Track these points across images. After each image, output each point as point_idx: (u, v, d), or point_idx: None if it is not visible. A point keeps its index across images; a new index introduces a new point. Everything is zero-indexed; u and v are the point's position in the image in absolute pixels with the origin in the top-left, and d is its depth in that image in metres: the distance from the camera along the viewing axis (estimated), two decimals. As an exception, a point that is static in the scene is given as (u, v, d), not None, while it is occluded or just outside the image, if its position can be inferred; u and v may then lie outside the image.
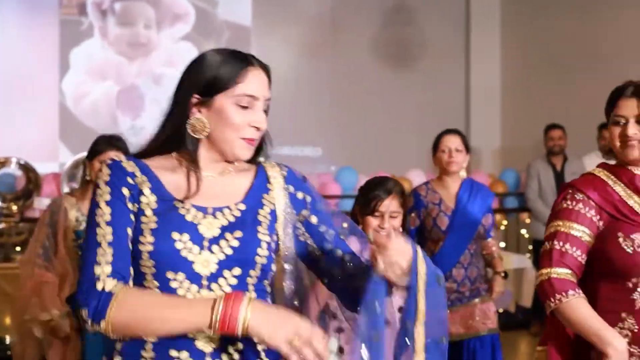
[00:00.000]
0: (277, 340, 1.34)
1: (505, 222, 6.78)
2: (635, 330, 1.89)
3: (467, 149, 3.47)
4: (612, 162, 2.08)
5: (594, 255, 1.94)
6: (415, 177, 6.06)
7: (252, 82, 1.50)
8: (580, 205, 1.94)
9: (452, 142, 3.42)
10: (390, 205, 2.49)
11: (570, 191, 1.99)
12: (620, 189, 1.96)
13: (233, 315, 1.34)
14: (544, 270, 1.92)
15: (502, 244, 6.71)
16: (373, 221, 2.50)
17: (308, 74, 7.66)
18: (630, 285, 1.89)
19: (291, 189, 1.60)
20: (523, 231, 6.77)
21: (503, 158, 7.89)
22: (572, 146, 6.11)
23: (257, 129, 1.51)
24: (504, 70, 8.09)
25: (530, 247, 6.42)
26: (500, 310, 6.13)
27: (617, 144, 1.98)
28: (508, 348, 5.67)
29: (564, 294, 1.86)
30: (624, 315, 1.90)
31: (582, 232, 1.92)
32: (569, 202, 1.96)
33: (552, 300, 1.87)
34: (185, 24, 7.20)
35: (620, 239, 1.90)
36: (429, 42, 8.05)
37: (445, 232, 3.35)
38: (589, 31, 6.78)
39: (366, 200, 2.52)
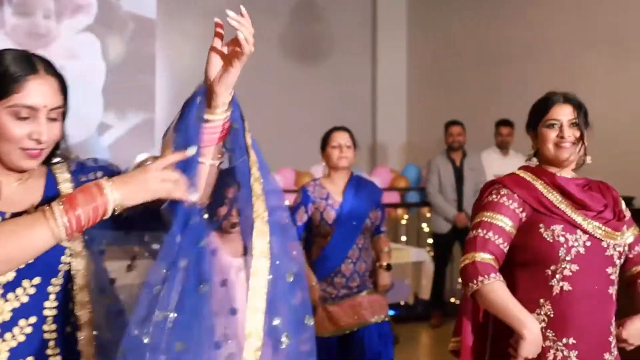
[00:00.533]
0: (153, 193, 1.42)
1: (406, 217, 6.94)
2: (552, 316, 2.01)
3: (355, 145, 3.56)
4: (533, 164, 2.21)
5: (516, 246, 2.06)
6: (320, 173, 6.09)
7: (32, 93, 1.44)
8: (505, 198, 2.08)
9: (342, 138, 3.51)
10: None
11: (496, 186, 2.13)
12: (541, 186, 2.09)
13: (101, 203, 1.39)
14: (469, 255, 2.03)
15: (404, 238, 6.89)
16: None
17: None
18: (549, 272, 2.02)
19: (82, 178, 1.59)
20: (424, 225, 6.96)
21: (409, 154, 8.06)
22: (471, 142, 6.33)
23: (38, 140, 1.46)
24: (410, 67, 8.23)
25: (430, 240, 6.62)
26: (402, 303, 6.34)
27: (551, 146, 2.12)
28: (408, 340, 5.83)
29: (486, 276, 1.97)
30: (542, 301, 2.02)
31: (504, 222, 2.05)
32: (494, 196, 2.10)
33: (475, 282, 1.98)
34: (87, 14, 6.99)
35: (542, 230, 2.03)
36: (336, 38, 8.11)
37: (332, 226, 3.43)
38: (491, 30, 6.98)
39: None
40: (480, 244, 2.03)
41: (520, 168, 2.20)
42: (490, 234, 2.04)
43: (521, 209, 2.07)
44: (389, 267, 3.60)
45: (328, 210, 3.45)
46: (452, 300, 6.76)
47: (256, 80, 7.74)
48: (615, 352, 2.10)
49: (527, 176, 2.14)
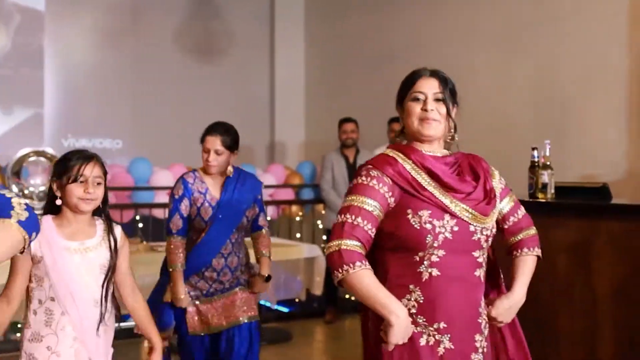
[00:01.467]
0: None
1: (301, 214, 6.97)
2: (421, 301, 1.99)
3: (231, 147, 3.41)
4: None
5: (385, 232, 2.03)
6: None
7: None
8: (375, 181, 2.01)
9: (213, 144, 3.36)
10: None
11: (365, 169, 2.06)
12: (409, 166, 2.04)
13: None
14: (334, 242, 1.97)
15: (298, 235, 6.91)
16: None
17: (107, 64, 7.38)
18: (417, 259, 1.99)
19: None
20: (319, 222, 7.01)
21: (307, 151, 8.08)
22: (366, 140, 6.41)
23: None
24: (308, 65, 8.22)
25: (325, 237, 6.67)
26: (297, 300, 6.37)
27: (415, 120, 2.07)
28: (302, 338, 5.83)
29: (351, 265, 1.93)
30: (411, 287, 2.00)
31: (373, 206, 1.99)
32: (364, 179, 2.03)
33: (340, 270, 1.93)
34: (-31, 5, 6.69)
35: (409, 216, 1.98)
36: (234, 35, 8.04)
37: (207, 222, 3.36)
38: (385, 29, 7.07)
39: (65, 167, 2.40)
40: (347, 230, 1.97)
41: (389, 146, 2.13)
42: (359, 219, 1.98)
43: (390, 193, 2.02)
44: (268, 279, 3.52)
45: (206, 206, 3.37)
46: (347, 296, 6.85)
47: (151, 76, 7.60)
48: (486, 332, 2.11)
49: (397, 156, 2.07)
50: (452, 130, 2.13)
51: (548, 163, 3.41)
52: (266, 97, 8.28)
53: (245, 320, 3.44)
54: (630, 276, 2.99)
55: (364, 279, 1.94)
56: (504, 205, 2.20)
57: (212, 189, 3.42)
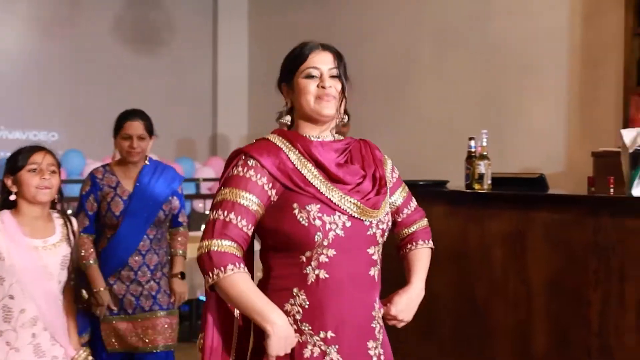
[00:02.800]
0: None
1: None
2: (307, 307, 1.76)
3: (151, 132, 3.29)
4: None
5: (266, 229, 1.79)
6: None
7: None
8: (252, 172, 1.76)
9: (136, 129, 3.22)
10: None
11: (242, 157, 1.80)
12: (294, 157, 1.81)
13: None
14: (205, 243, 1.72)
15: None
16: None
17: (43, 54, 7.12)
18: (304, 259, 1.76)
19: None
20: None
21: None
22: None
23: None
24: (251, 57, 8.11)
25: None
26: (202, 298, 6.21)
27: (311, 98, 1.84)
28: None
29: (222, 268, 1.68)
30: (295, 291, 1.77)
31: (250, 201, 1.74)
32: (240, 169, 1.77)
33: (210, 275, 1.68)
34: None
35: (296, 211, 1.75)
36: (176, 27, 7.87)
37: (119, 218, 3.19)
38: (329, 22, 7.01)
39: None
40: (219, 229, 1.71)
41: (274, 131, 1.90)
42: (232, 215, 1.72)
43: (271, 185, 1.78)
44: (183, 276, 3.37)
45: (116, 200, 3.19)
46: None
47: (88, 66, 7.35)
48: (381, 337, 1.90)
49: (281, 143, 1.84)
50: (343, 112, 1.90)
51: (485, 153, 3.35)
52: (208, 90, 8.13)
53: (162, 349, 3.27)
54: (564, 268, 2.95)
55: (237, 284, 1.69)
56: (397, 197, 2.02)
57: (124, 182, 3.26)
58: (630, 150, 2.99)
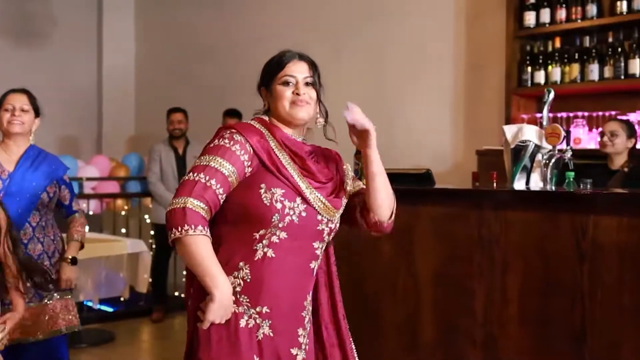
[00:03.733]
0: None
1: (127, 207, 6.62)
2: (248, 281, 1.91)
3: (37, 111, 3.17)
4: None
5: (232, 201, 1.93)
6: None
7: None
8: (237, 146, 1.91)
9: (18, 101, 3.10)
10: None
11: (229, 131, 1.95)
12: (273, 143, 1.98)
13: None
14: (180, 199, 1.83)
15: (123, 230, 6.56)
16: None
17: None
18: (257, 236, 1.91)
19: None
20: (146, 216, 6.70)
21: (136, 143, 7.74)
22: (199, 132, 6.19)
23: None
24: (138, 54, 7.92)
25: (152, 232, 6.38)
26: (123, 299, 6.03)
27: (287, 104, 2.02)
28: (127, 338, 5.54)
29: (193, 226, 1.80)
30: (241, 264, 1.92)
31: (230, 172, 1.89)
32: (227, 141, 1.92)
33: (179, 229, 1.80)
34: None
35: (262, 190, 1.91)
36: (57, 19, 7.56)
37: None
38: (219, 20, 6.94)
39: None
40: (199, 190, 1.84)
41: (255, 119, 2.06)
42: (213, 181, 1.87)
43: (249, 163, 1.93)
44: (74, 261, 3.21)
45: None
46: (176, 293, 6.60)
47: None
48: (309, 328, 2.05)
49: (262, 129, 2.01)
50: (321, 116, 2.10)
51: (373, 148, 3.36)
52: (93, 87, 7.85)
53: (49, 335, 3.09)
54: (449, 260, 3.01)
55: (200, 244, 1.82)
56: (356, 186, 2.18)
57: (4, 162, 3.09)
58: (512, 146, 3.09)
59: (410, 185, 3.35)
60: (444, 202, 3.06)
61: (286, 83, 2.03)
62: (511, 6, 4.74)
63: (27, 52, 7.31)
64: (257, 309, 1.92)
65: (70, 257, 3.20)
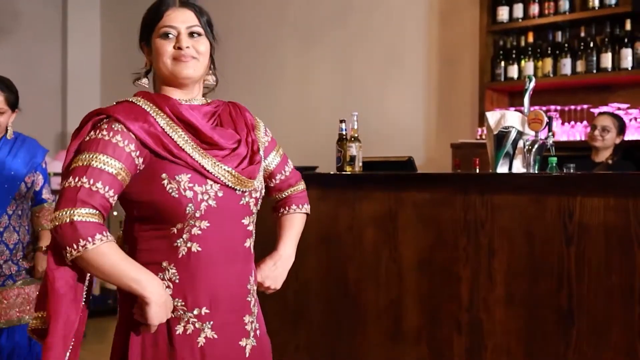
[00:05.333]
0: None
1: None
2: (177, 282, 1.67)
3: (14, 106, 3.08)
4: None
5: (133, 200, 1.67)
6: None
7: None
8: (119, 137, 1.62)
9: None
10: None
11: (105, 120, 1.65)
12: (162, 121, 1.67)
13: None
14: (64, 212, 1.55)
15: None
16: None
17: None
18: (175, 231, 1.65)
19: None
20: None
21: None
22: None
23: None
24: (104, 52, 7.83)
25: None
26: (91, 297, 5.90)
27: (168, 60, 1.71)
28: (97, 336, 5.44)
29: (89, 239, 1.53)
30: (165, 264, 1.67)
31: (116, 168, 1.60)
32: (104, 133, 1.62)
33: (75, 247, 1.53)
34: None
35: (165, 182, 1.63)
36: (20, 13, 7.41)
37: None
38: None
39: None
40: (82, 197, 1.55)
41: (137, 94, 1.75)
42: (100, 184, 1.58)
43: (138, 152, 1.64)
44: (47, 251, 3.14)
45: None
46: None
47: None
48: (256, 310, 1.83)
49: (147, 106, 1.69)
50: (212, 72, 1.82)
51: (356, 135, 3.35)
52: (57, 84, 7.72)
53: (27, 320, 2.99)
54: (433, 245, 3.00)
55: (108, 253, 1.56)
56: (270, 160, 1.93)
57: None
58: (495, 132, 3.09)
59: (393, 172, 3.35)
60: (428, 188, 3.04)
61: (166, 35, 1.72)
62: (484, 1, 4.79)
63: (-8, 47, 7.17)
64: (195, 312, 1.68)
65: (44, 246, 3.09)
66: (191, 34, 1.73)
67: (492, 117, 3.14)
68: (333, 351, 3.30)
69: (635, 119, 4.31)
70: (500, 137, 3.08)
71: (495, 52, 4.83)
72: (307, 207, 2.04)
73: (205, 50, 1.75)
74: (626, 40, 4.33)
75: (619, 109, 4.34)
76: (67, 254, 1.55)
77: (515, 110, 4.48)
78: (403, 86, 5.37)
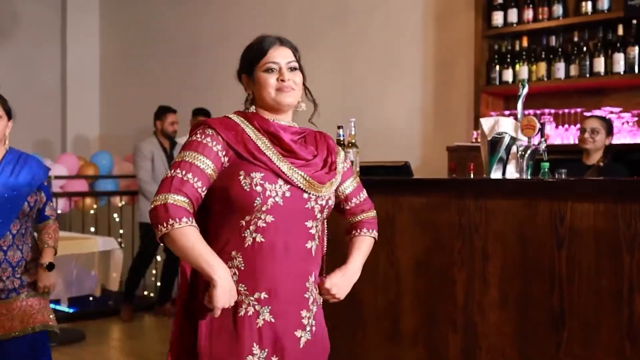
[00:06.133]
0: None
1: (95, 206, 6.57)
2: (242, 269, 1.92)
3: (9, 114, 3.11)
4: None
5: (215, 193, 1.94)
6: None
7: None
8: (209, 139, 1.93)
9: None
10: None
11: (202, 127, 1.97)
12: (250, 131, 1.97)
13: None
14: (161, 196, 1.85)
15: (92, 229, 6.51)
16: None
17: None
18: (243, 223, 1.91)
19: None
20: (115, 215, 6.66)
21: (101, 143, 7.69)
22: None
23: None
24: (103, 55, 7.88)
25: (122, 231, 6.35)
26: (92, 298, 5.99)
27: (272, 91, 2.00)
28: (97, 337, 5.51)
29: (177, 219, 1.82)
30: (233, 253, 1.92)
31: (206, 164, 1.90)
32: (198, 136, 1.94)
33: (165, 225, 1.81)
34: None
35: (241, 177, 1.90)
36: (20, 16, 7.47)
37: None
38: (188, 18, 6.94)
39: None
40: (176, 185, 1.86)
41: (234, 113, 2.05)
42: (190, 175, 1.88)
43: (224, 152, 1.94)
44: (50, 267, 3.15)
45: None
46: (145, 293, 6.57)
47: None
48: (315, 309, 2.04)
49: (238, 120, 2.01)
50: (309, 99, 2.11)
51: (354, 141, 3.43)
52: (57, 87, 7.77)
53: (29, 331, 3.05)
54: (430, 248, 3.08)
55: (188, 235, 1.83)
56: (347, 185, 2.17)
57: None
58: (489, 138, 3.17)
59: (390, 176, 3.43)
60: (424, 192, 3.13)
61: (270, 70, 2.02)
62: (480, 6, 4.86)
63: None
64: (255, 296, 1.92)
65: (46, 263, 3.14)
66: (290, 69, 2.03)
67: (486, 123, 3.22)
68: (332, 352, 3.37)
69: (628, 122, 4.40)
70: (494, 143, 3.16)
71: (490, 56, 4.91)
72: (375, 233, 2.27)
73: (300, 81, 2.05)
74: (618, 45, 4.41)
75: (611, 112, 4.43)
76: (158, 232, 1.83)
77: (510, 113, 4.59)
78: (400, 89, 5.45)
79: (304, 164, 1.98)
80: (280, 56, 2.03)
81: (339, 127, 3.50)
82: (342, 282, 2.10)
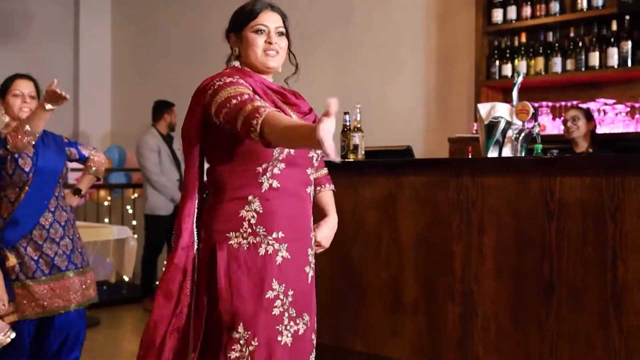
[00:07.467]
0: None
1: (109, 198, 6.78)
2: (260, 212, 2.02)
3: (39, 96, 3.33)
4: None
5: (235, 140, 2.02)
6: None
7: None
8: (237, 78, 2.02)
9: (26, 87, 3.28)
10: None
11: (219, 77, 2.04)
12: (255, 85, 2.07)
13: None
14: (247, 107, 1.87)
15: (106, 220, 6.72)
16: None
17: None
18: (260, 170, 2.03)
19: None
20: (128, 207, 6.86)
21: (112, 139, 7.85)
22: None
23: None
24: (115, 53, 8.02)
25: (135, 222, 6.54)
26: (105, 287, 6.16)
27: (259, 52, 2.11)
28: (112, 322, 5.68)
29: (262, 109, 1.84)
30: (250, 198, 2.02)
31: (248, 88, 2.00)
32: (225, 78, 2.02)
33: (259, 115, 1.82)
34: None
35: None
36: (33, 17, 7.63)
37: (29, 174, 3.19)
38: (196, 18, 7.08)
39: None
40: (251, 97, 1.91)
41: (229, 69, 2.15)
42: (246, 96, 1.92)
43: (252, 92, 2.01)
44: (77, 192, 3.51)
45: (23, 157, 3.19)
46: (157, 283, 6.75)
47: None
48: (313, 252, 2.20)
49: (240, 74, 2.09)
50: (291, 62, 2.23)
51: (359, 126, 3.63)
52: (70, 86, 7.92)
53: (74, 308, 3.31)
54: (430, 225, 3.27)
55: (278, 114, 1.86)
56: None
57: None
58: (486, 122, 3.37)
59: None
60: (425, 172, 3.33)
61: (259, 31, 2.11)
62: (480, 4, 5.06)
63: (4, 52, 7.38)
64: (273, 236, 2.03)
65: (77, 187, 3.50)
66: (278, 33, 2.14)
67: (483, 108, 3.42)
68: (338, 324, 3.57)
69: (621, 113, 4.59)
70: (491, 127, 3.36)
71: (490, 51, 5.10)
72: (333, 186, 2.43)
73: (285, 46, 2.17)
74: (612, 39, 4.60)
75: (605, 104, 4.62)
76: (255, 126, 1.82)
77: (509, 105, 4.78)
78: (403, 85, 5.64)
79: (303, 116, 2.13)
80: (270, 20, 2.13)
81: (345, 113, 3.71)
82: (329, 234, 2.32)
